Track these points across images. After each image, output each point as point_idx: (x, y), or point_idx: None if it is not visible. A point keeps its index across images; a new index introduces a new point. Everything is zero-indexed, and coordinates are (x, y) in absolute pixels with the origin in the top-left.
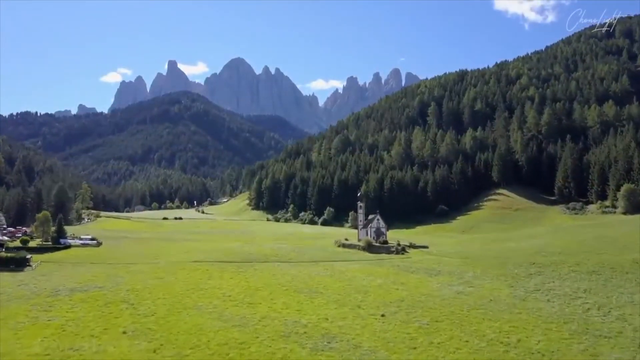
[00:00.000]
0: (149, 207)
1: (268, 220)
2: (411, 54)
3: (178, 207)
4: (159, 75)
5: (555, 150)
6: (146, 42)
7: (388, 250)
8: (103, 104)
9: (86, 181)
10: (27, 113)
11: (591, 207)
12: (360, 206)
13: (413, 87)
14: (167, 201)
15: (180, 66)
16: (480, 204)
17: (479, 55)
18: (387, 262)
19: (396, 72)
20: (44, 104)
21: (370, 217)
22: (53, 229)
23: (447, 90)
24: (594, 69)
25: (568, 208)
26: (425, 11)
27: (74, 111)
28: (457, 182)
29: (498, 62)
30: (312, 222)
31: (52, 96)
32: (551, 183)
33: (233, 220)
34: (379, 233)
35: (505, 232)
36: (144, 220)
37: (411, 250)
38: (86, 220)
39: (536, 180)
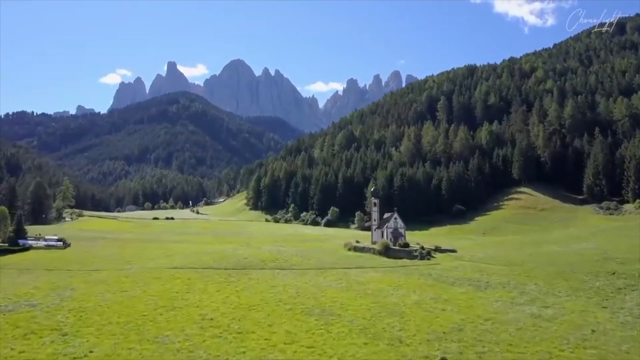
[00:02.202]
0: (141, 207)
1: (267, 220)
2: (411, 57)
3: (172, 207)
4: (158, 76)
5: (582, 145)
6: (145, 44)
7: (410, 255)
8: (102, 106)
9: (68, 177)
10: (23, 113)
11: (627, 206)
12: (375, 203)
13: (420, 82)
14: (161, 201)
15: (180, 68)
16: (500, 203)
17: (480, 59)
18: (414, 270)
19: (396, 74)
20: (43, 105)
21: (385, 216)
22: (11, 228)
23: (456, 85)
24: (612, 63)
25: (601, 208)
26: (425, 14)
27: (72, 112)
28: (473, 180)
29: (506, 58)
30: (315, 223)
31: (51, 97)
32: (578, 180)
33: (229, 220)
34: (396, 234)
35: (533, 234)
36: (132, 220)
37: (437, 255)
38: (67, 219)
39: (561, 177)
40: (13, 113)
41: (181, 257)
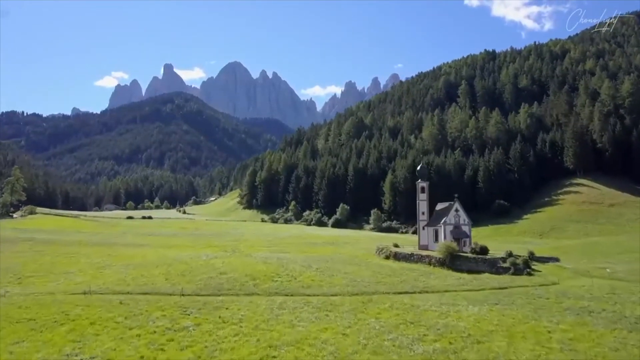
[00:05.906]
0: (122, 206)
1: (263, 221)
2: (409, 61)
3: (157, 207)
4: (155, 78)
5: None
6: (142, 47)
7: (493, 267)
8: (98, 108)
9: (19, 168)
10: (12, 112)
11: None
12: (423, 188)
13: (434, 69)
14: (146, 200)
15: (177, 71)
16: (554, 197)
17: None
18: (539, 299)
19: (395, 77)
20: (39, 108)
21: (438, 207)
22: None
23: (476, 69)
24: None
25: None
26: (423, 17)
27: (67, 114)
28: (517, 170)
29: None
30: (321, 223)
31: (47, 100)
32: None
33: (217, 220)
34: (459, 234)
35: (614, 235)
36: (98, 220)
37: (539, 267)
38: (15, 216)
39: (626, 166)
40: (2, 113)
41: (117, 271)
